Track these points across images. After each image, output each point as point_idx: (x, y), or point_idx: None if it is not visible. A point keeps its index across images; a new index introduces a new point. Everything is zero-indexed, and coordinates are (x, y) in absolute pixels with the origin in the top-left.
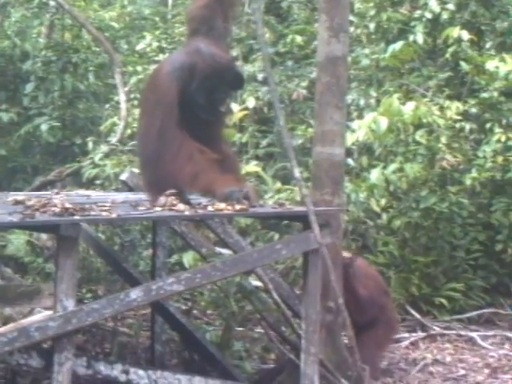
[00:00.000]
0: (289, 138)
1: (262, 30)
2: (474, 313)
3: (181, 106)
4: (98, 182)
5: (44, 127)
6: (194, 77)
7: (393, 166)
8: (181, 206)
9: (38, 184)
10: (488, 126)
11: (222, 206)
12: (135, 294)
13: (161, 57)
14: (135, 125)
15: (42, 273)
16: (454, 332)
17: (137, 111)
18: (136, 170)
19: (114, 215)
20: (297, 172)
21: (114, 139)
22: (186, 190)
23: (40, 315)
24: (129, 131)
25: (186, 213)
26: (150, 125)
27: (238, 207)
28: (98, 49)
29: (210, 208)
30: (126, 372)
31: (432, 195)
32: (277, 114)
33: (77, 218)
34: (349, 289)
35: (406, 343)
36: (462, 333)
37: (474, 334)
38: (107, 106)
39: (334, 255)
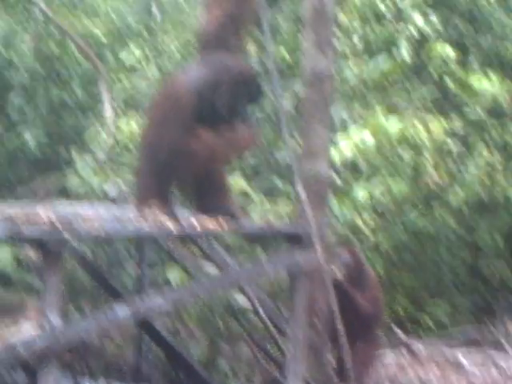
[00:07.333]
0: (294, 157)
1: (271, 48)
2: (459, 332)
3: (198, 117)
4: (83, 194)
5: (29, 138)
6: (220, 88)
7: (378, 183)
8: (168, 223)
9: (23, 196)
10: (473, 143)
11: (208, 220)
12: (121, 311)
13: (147, 68)
14: (120, 136)
15: (28, 287)
16: (439, 351)
17: (122, 122)
18: (121, 183)
19: (100, 230)
20: (303, 194)
21: (99, 151)
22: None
23: (25, 329)
24: (114, 142)
25: (174, 231)
26: (163, 137)
27: (224, 223)
28: (83, 59)
29: (196, 223)
30: None
31: (417, 214)
32: (283, 132)
33: (62, 232)
34: (351, 304)
35: (391, 363)
36: (448, 352)
37: (459, 354)
38: (92, 116)
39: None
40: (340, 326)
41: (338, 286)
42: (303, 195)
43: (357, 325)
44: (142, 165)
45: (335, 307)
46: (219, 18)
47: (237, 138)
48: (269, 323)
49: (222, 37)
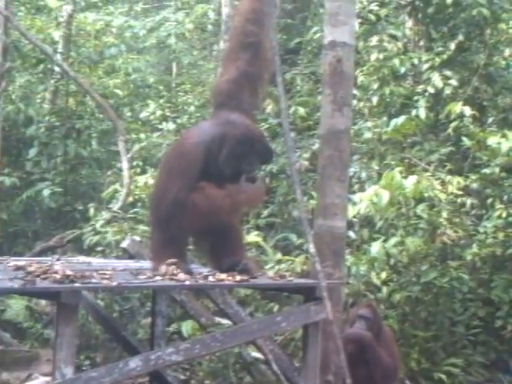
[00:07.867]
0: (304, 211)
1: (286, 103)
2: None
3: (204, 173)
4: (99, 248)
5: (46, 192)
6: (223, 146)
7: (394, 240)
8: (182, 276)
9: (38, 249)
10: (489, 201)
11: (223, 276)
12: (134, 363)
13: (164, 125)
14: (137, 192)
15: (40, 338)
16: None
17: (139, 178)
18: (137, 238)
19: (114, 283)
20: (312, 247)
21: (115, 206)
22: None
23: (37, 381)
24: (131, 198)
25: (187, 282)
26: (167, 189)
27: (238, 278)
28: (101, 115)
29: (210, 278)
30: None
31: (432, 270)
32: (296, 189)
33: (77, 285)
34: (375, 358)
35: None
36: None
37: None
38: (109, 172)
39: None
40: (349, 381)
41: (361, 339)
42: (313, 249)
43: (377, 379)
44: (151, 218)
45: (344, 362)
46: (234, 76)
47: (239, 193)
48: (281, 375)
49: (236, 95)
